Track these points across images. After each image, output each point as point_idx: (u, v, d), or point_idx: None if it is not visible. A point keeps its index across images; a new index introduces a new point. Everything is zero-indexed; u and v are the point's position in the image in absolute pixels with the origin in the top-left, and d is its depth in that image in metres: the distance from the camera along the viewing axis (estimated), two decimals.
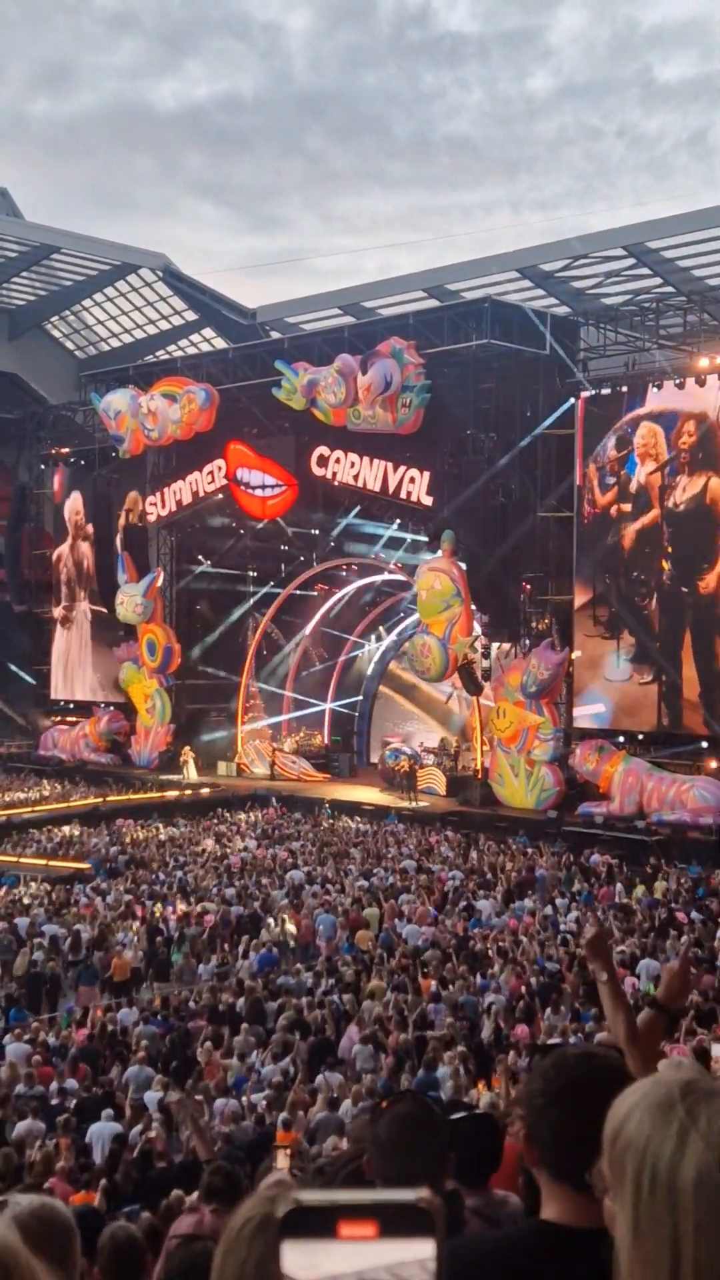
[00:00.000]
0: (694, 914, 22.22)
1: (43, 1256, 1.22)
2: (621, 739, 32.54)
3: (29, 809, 36.25)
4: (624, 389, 32.25)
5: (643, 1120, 1.19)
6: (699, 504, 31.02)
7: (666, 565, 31.87)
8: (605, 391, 32.47)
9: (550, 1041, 12.52)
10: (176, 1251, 4.32)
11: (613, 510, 32.74)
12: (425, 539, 36.18)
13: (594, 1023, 15.42)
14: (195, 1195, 7.31)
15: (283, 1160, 8.66)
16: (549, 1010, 16.28)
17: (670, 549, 31.77)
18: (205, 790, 38.72)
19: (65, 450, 48.00)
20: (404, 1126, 2.84)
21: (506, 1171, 4.16)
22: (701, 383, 30.52)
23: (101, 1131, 12.39)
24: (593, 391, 32.78)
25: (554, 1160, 2.20)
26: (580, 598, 33.41)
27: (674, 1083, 1.21)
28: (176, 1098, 12.37)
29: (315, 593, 44.03)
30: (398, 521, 37.16)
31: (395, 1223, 0.87)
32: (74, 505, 47.18)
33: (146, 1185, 10.88)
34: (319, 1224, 0.86)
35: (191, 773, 40.75)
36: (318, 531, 40.71)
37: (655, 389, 31.48)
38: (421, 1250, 0.86)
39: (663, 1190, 1.14)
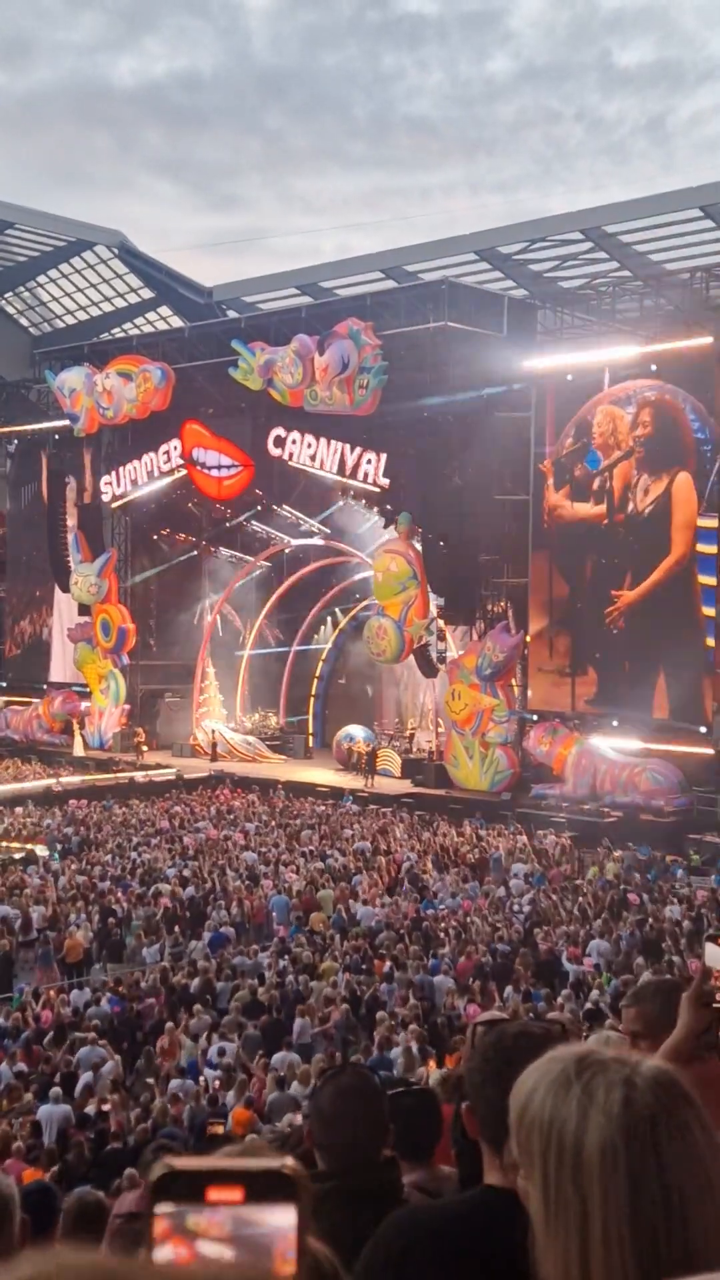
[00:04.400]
0: (644, 895, 22.44)
1: None
2: (615, 723, 31.12)
3: None
4: (569, 377, 31.44)
5: (544, 1099, 1.24)
6: (662, 509, 29.22)
7: (628, 580, 30.15)
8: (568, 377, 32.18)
9: (491, 1016, 12.66)
10: (120, 1230, 4.36)
11: (566, 513, 31.29)
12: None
13: (544, 1003, 15.56)
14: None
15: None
16: (504, 989, 16.40)
17: (626, 561, 30.00)
18: (160, 771, 38.55)
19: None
20: (345, 1097, 2.93)
21: (443, 1142, 4.24)
22: (664, 367, 29.76)
23: (51, 1113, 12.36)
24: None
25: (493, 1135, 2.28)
26: (535, 623, 32.51)
27: (569, 1059, 1.26)
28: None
29: (271, 573, 43.92)
30: (345, 503, 37.11)
31: (260, 1188, 0.91)
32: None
33: (99, 1165, 10.88)
34: (189, 1188, 0.90)
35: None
36: (284, 521, 40.55)
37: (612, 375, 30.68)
38: (285, 1215, 0.91)
39: (569, 1164, 1.19)
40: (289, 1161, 0.94)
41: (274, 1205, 0.91)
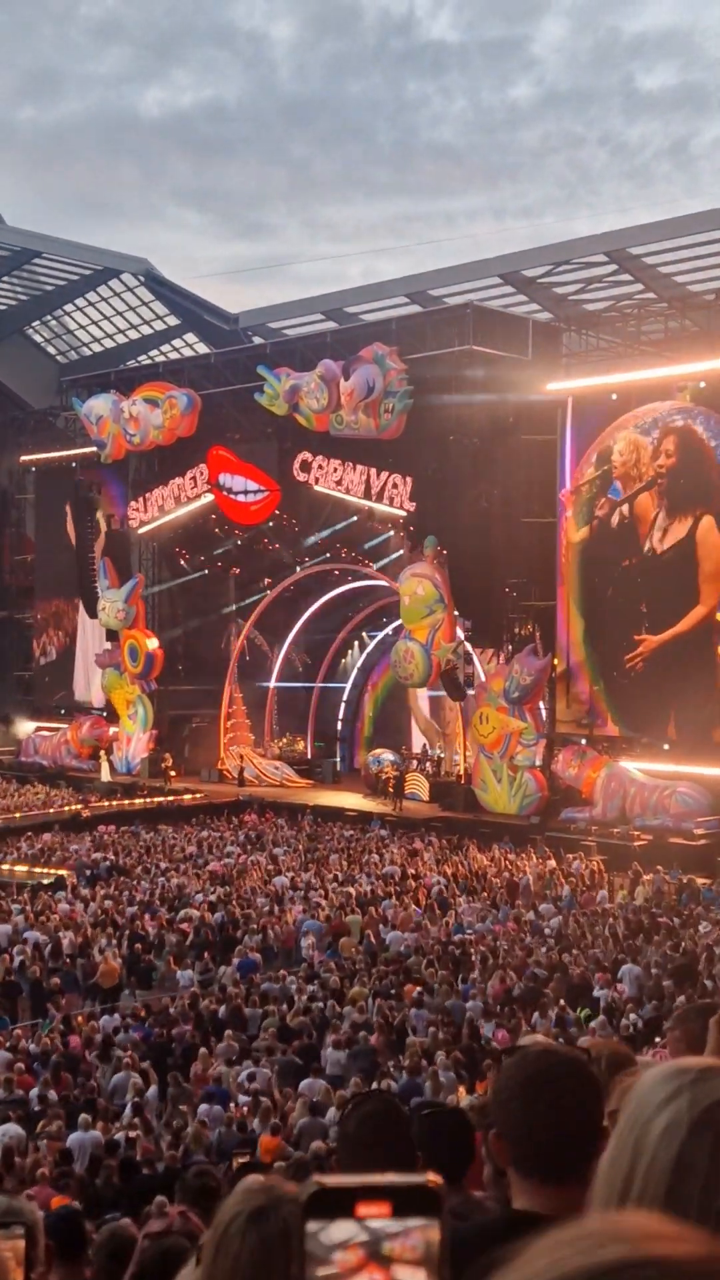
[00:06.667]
0: (675, 919, 22.23)
1: None
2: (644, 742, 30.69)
3: (11, 815, 36.04)
4: (614, 396, 31.33)
5: (656, 1075, 1.29)
6: (684, 554, 28.39)
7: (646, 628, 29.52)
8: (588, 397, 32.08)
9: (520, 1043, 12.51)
10: (148, 1248, 4.33)
11: (583, 549, 30.82)
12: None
13: (576, 1028, 15.40)
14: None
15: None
16: (534, 1015, 16.25)
17: (644, 603, 29.45)
18: (189, 796, 38.59)
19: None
20: (372, 1125, 2.90)
21: (476, 1166, 4.14)
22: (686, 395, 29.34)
23: (83, 1139, 12.31)
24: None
25: (521, 1155, 2.26)
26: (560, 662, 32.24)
27: (700, 1061, 1.30)
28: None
29: (297, 597, 43.95)
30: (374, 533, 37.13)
31: (407, 1202, 0.93)
32: None
33: (129, 1192, 10.82)
34: (338, 1204, 0.93)
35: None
36: (303, 551, 40.61)
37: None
38: (429, 1228, 0.94)
39: (638, 1129, 1.23)
40: (432, 1175, 0.96)
41: (419, 1219, 0.93)
